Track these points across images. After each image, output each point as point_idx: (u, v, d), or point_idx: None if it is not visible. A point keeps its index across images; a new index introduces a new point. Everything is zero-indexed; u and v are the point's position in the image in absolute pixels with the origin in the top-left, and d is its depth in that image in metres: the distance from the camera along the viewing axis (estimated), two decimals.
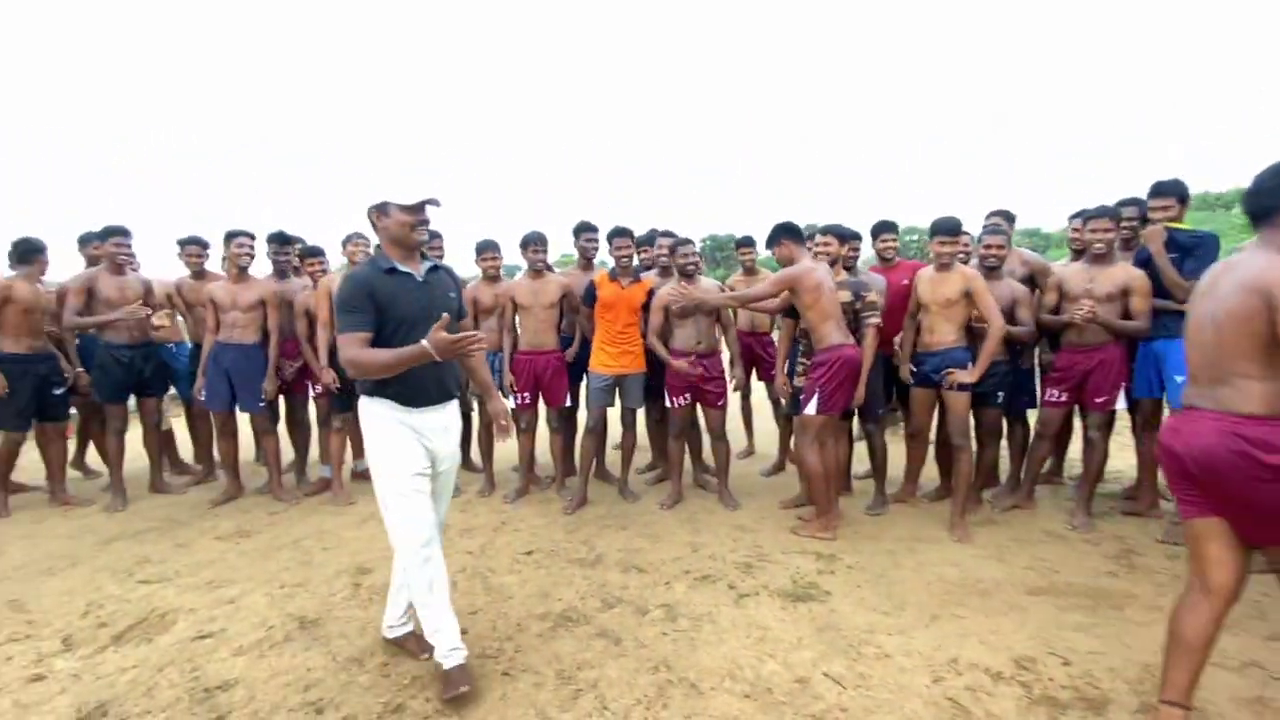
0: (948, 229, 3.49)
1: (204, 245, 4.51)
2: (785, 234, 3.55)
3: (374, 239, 2.30)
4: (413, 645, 2.37)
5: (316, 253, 4.44)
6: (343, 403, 4.26)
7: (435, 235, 4.36)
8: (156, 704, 2.11)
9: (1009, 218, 4.14)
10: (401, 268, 2.13)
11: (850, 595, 2.81)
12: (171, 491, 4.48)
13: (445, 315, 1.96)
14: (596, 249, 4.56)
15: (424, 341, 1.94)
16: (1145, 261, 3.38)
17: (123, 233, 4.13)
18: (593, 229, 4.46)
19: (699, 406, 4.06)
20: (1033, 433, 3.82)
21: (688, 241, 3.99)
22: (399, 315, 2.09)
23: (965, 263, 3.71)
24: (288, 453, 4.79)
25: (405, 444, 2.13)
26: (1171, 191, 3.35)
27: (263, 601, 2.83)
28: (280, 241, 4.46)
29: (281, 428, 4.57)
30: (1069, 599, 2.75)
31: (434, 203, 2.13)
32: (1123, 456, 4.49)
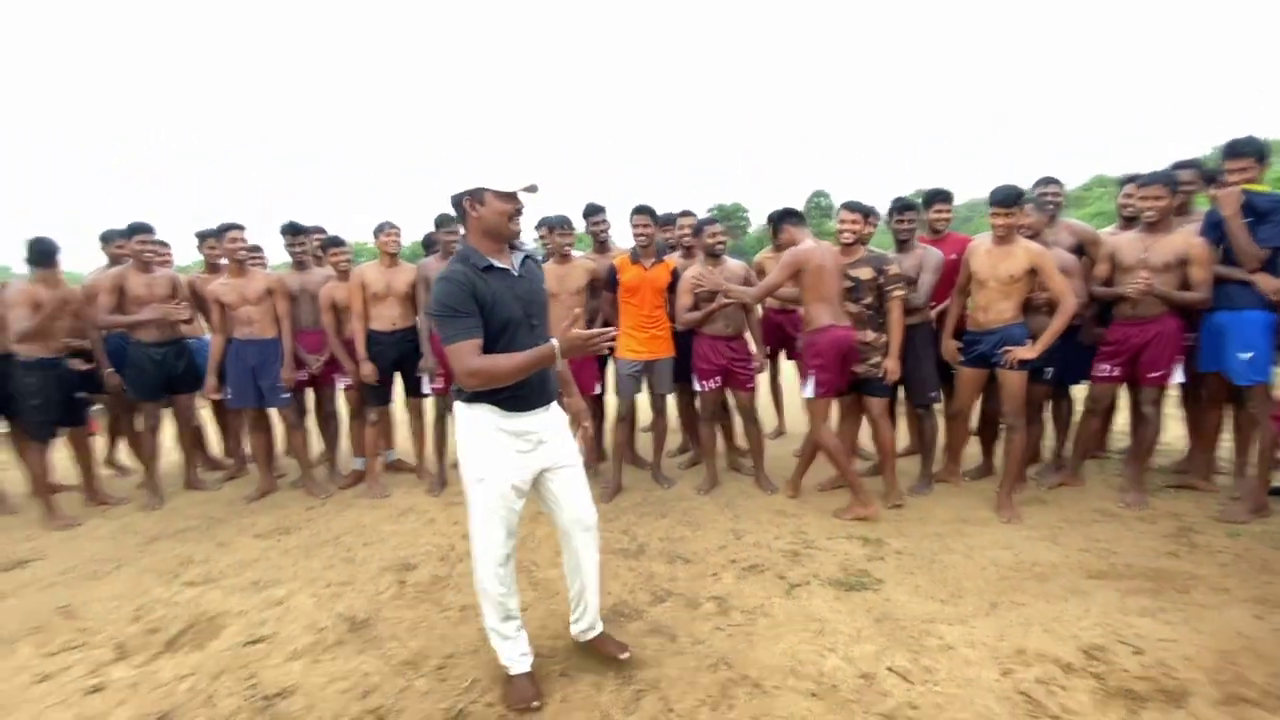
0: (1005, 199, 3.22)
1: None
2: (785, 219, 3.67)
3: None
4: (612, 648, 2.26)
5: (338, 243, 4.34)
6: (378, 395, 4.22)
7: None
8: (218, 714, 2.10)
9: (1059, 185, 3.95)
10: (498, 264, 1.93)
11: (904, 583, 2.76)
12: (206, 488, 4.49)
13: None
14: (607, 230, 4.44)
15: (553, 340, 1.85)
16: (1215, 225, 3.16)
17: (147, 230, 4.06)
18: (600, 210, 4.34)
19: (728, 390, 3.98)
20: (1081, 408, 3.70)
21: (712, 220, 3.88)
22: (503, 317, 1.90)
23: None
24: (315, 446, 4.78)
25: (505, 454, 1.98)
26: (1249, 151, 3.06)
27: (310, 602, 2.82)
28: (293, 232, 4.36)
29: (310, 421, 4.55)
30: (1131, 582, 2.68)
31: (533, 189, 1.92)
32: (1169, 428, 4.37)
